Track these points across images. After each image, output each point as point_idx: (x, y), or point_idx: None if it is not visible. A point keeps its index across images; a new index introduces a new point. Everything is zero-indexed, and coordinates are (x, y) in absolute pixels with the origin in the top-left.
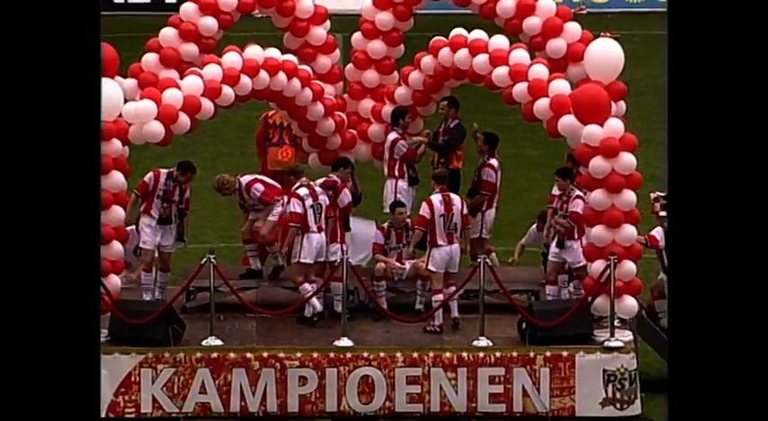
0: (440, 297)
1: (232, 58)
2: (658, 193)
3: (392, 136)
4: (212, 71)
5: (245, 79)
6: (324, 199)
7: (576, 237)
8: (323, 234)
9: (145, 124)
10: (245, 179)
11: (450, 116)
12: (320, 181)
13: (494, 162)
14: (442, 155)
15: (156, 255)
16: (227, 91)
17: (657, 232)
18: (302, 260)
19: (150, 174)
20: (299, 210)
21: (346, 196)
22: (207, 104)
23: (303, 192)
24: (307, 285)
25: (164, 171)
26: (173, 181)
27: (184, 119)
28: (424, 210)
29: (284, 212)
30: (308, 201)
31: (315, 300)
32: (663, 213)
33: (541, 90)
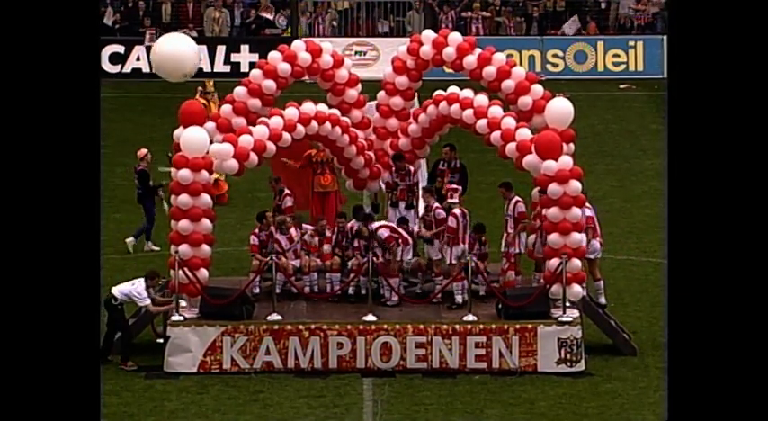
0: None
1: (291, 112)
2: (454, 185)
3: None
4: (276, 121)
5: (300, 128)
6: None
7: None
8: None
9: (224, 161)
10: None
11: (453, 158)
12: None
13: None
14: (464, 189)
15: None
16: (286, 136)
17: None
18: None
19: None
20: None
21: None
22: (271, 146)
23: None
24: None
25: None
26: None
27: (254, 157)
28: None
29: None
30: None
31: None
32: (452, 200)
33: (510, 136)
